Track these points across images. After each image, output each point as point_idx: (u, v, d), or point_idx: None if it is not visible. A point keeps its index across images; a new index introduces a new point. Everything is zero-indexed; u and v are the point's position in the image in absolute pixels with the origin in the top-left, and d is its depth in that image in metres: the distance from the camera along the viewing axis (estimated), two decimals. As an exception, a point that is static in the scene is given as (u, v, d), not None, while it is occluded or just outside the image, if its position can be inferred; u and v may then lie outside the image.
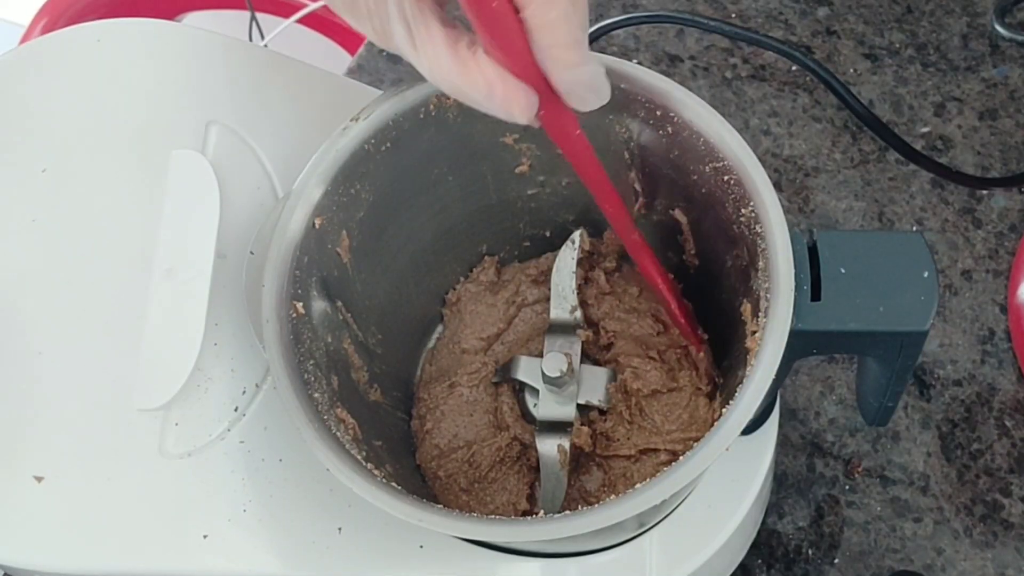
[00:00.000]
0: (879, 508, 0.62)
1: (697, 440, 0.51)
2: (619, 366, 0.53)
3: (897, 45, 0.76)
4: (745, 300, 0.47)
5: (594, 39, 0.74)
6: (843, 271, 0.45)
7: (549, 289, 0.54)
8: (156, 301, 0.47)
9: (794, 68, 0.75)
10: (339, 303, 0.49)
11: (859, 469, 0.63)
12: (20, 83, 0.52)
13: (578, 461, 0.52)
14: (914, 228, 0.70)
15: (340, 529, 0.47)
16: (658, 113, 0.48)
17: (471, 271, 0.57)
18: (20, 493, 0.46)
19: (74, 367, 0.48)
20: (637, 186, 0.52)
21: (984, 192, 0.70)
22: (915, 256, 0.45)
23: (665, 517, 0.50)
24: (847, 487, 0.63)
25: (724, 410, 0.42)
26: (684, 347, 0.54)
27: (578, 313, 0.53)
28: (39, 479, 0.47)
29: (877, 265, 0.45)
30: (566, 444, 0.51)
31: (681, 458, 0.41)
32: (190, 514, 0.47)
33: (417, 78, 0.43)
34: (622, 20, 0.73)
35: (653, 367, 0.52)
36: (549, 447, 0.51)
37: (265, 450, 0.48)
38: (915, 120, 0.73)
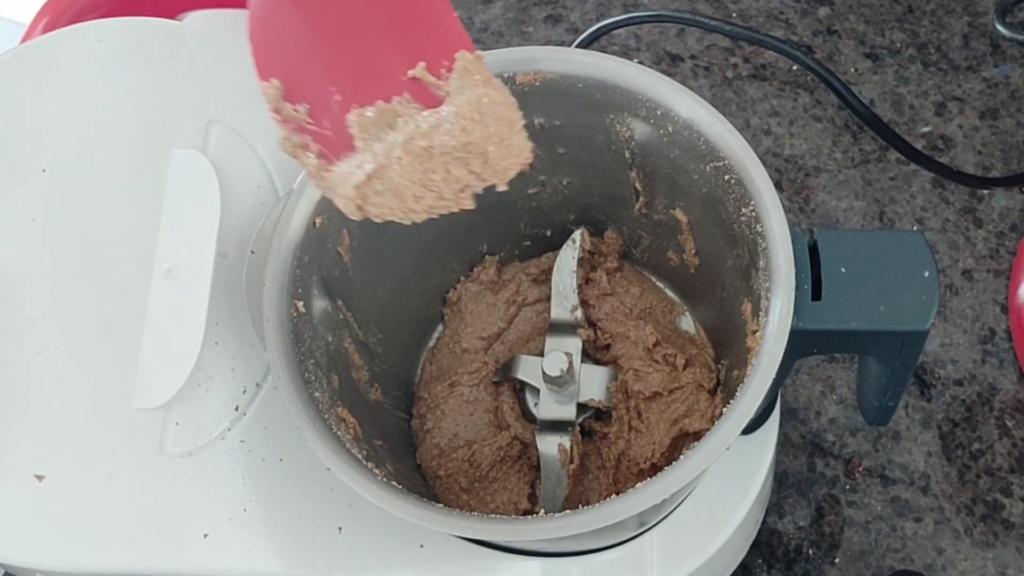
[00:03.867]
0: (880, 508, 0.62)
1: (696, 433, 0.51)
2: (621, 368, 0.53)
3: (898, 45, 0.76)
4: (746, 299, 0.47)
5: (595, 39, 0.74)
6: (844, 270, 0.45)
7: (550, 288, 0.54)
8: (157, 300, 0.47)
9: (795, 68, 0.75)
10: (340, 302, 0.49)
11: (860, 469, 0.63)
12: (20, 83, 0.52)
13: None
14: (915, 228, 0.69)
15: (340, 528, 0.47)
16: (659, 112, 0.48)
17: (472, 270, 0.57)
18: (21, 492, 0.46)
19: (74, 367, 0.48)
20: (638, 185, 0.52)
21: (985, 192, 0.70)
22: (916, 255, 0.45)
23: (666, 516, 0.50)
24: (848, 487, 0.63)
25: (724, 409, 0.42)
26: (687, 343, 0.54)
27: (579, 312, 0.53)
28: (40, 478, 0.47)
29: (878, 264, 0.45)
30: (567, 443, 0.51)
31: (681, 457, 0.41)
32: (190, 513, 0.47)
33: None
34: (623, 19, 0.73)
35: (655, 369, 0.52)
36: (550, 446, 0.51)
37: (265, 449, 0.48)
38: (916, 120, 0.73)
